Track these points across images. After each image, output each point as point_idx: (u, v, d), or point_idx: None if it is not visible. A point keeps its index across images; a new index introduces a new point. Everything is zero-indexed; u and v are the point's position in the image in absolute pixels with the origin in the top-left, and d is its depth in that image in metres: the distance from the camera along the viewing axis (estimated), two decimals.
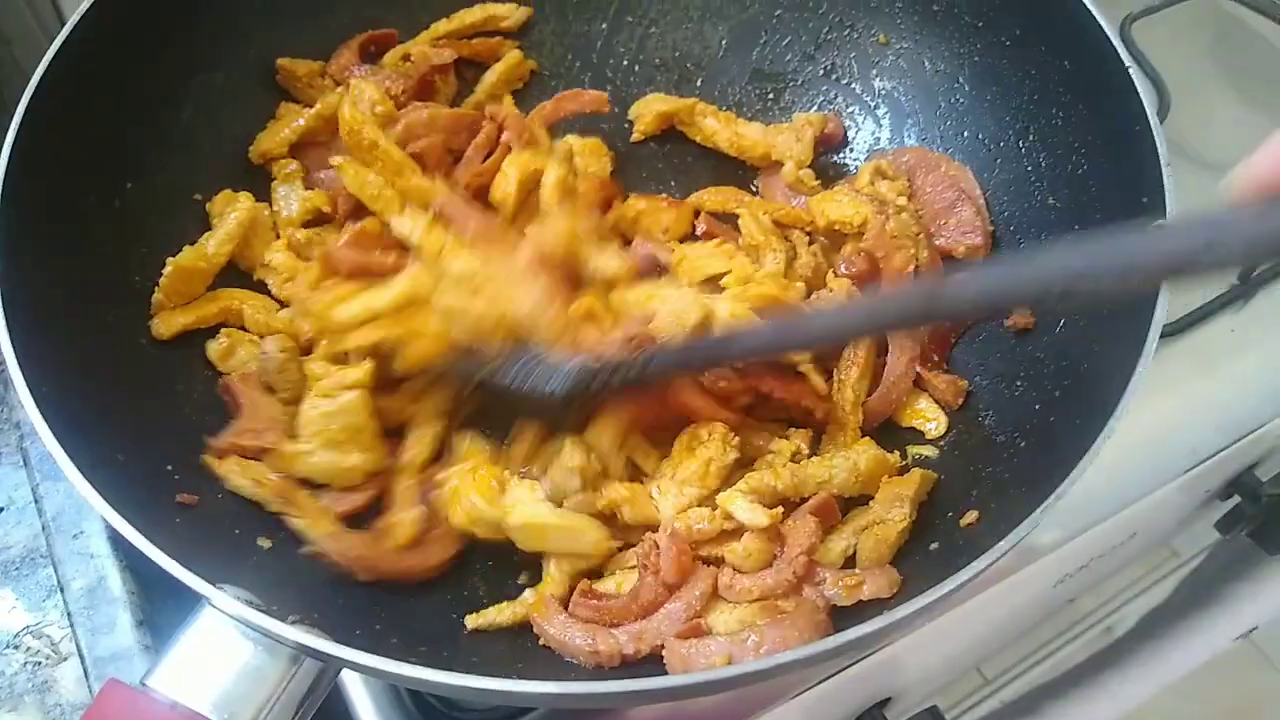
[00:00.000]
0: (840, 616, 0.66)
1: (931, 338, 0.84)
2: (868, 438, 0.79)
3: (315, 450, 0.75)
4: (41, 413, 0.62)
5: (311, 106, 0.92)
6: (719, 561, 0.72)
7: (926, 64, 0.94)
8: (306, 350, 0.82)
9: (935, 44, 0.93)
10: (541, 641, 0.70)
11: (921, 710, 0.95)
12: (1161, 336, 0.92)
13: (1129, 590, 1.70)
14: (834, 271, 0.86)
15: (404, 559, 0.74)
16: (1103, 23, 0.78)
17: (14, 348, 0.64)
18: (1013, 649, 1.62)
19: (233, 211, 0.85)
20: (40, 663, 0.81)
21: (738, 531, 0.72)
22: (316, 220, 0.89)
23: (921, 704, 0.98)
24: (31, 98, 0.73)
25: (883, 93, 0.97)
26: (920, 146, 0.93)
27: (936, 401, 0.82)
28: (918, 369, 0.82)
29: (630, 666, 0.67)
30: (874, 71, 0.97)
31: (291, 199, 0.89)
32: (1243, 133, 1.11)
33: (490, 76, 0.99)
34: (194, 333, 0.82)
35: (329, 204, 0.89)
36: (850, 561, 0.72)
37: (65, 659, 0.82)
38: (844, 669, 0.85)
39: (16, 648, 0.82)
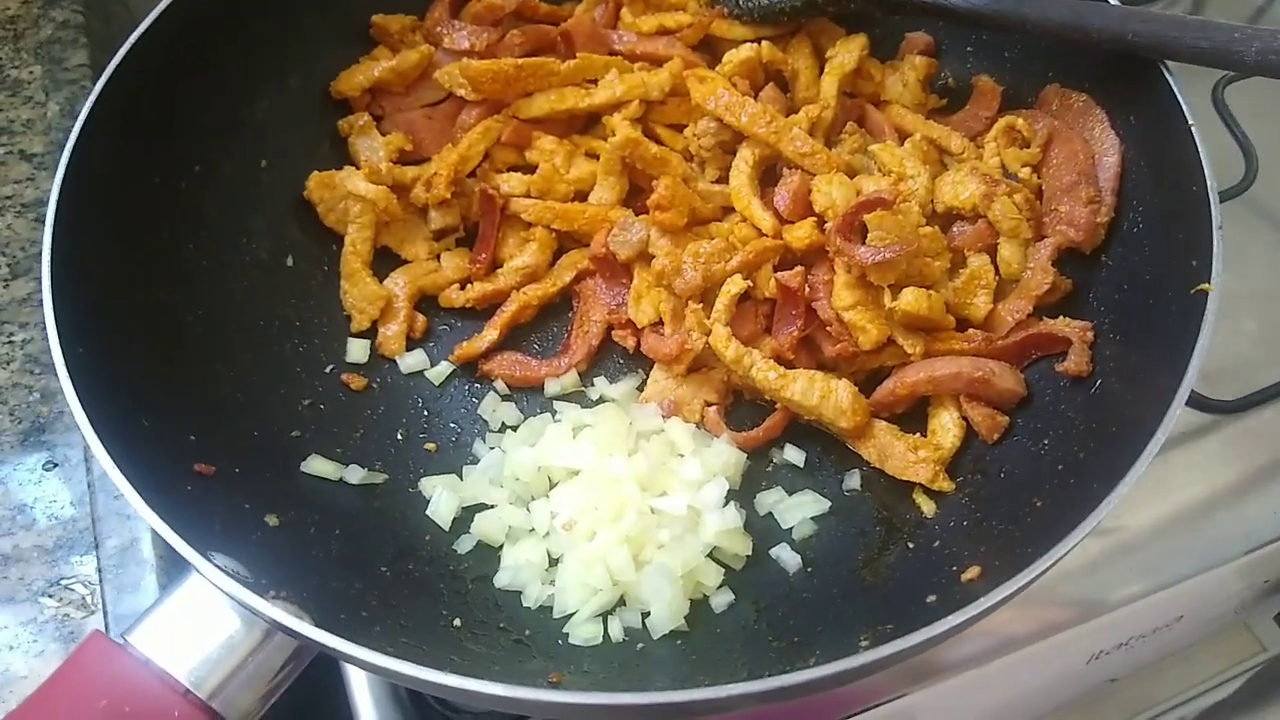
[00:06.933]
0: (823, 654, 0.63)
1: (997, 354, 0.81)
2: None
3: None
4: (69, 371, 0.65)
5: None
6: None
7: None
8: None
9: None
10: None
11: None
12: (1225, 413, 0.89)
13: (1213, 679, 1.60)
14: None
15: None
16: (1168, 77, 0.75)
17: (54, 308, 0.68)
18: None
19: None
20: (69, 614, 0.85)
21: None
22: (401, 160, 0.94)
23: None
24: (119, 64, 0.78)
25: None
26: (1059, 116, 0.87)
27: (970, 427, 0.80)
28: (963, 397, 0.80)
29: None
30: None
31: (375, 146, 0.94)
32: None
33: None
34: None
35: (409, 143, 0.94)
36: None
37: (92, 613, 0.85)
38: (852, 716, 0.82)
39: (51, 596, 0.85)
